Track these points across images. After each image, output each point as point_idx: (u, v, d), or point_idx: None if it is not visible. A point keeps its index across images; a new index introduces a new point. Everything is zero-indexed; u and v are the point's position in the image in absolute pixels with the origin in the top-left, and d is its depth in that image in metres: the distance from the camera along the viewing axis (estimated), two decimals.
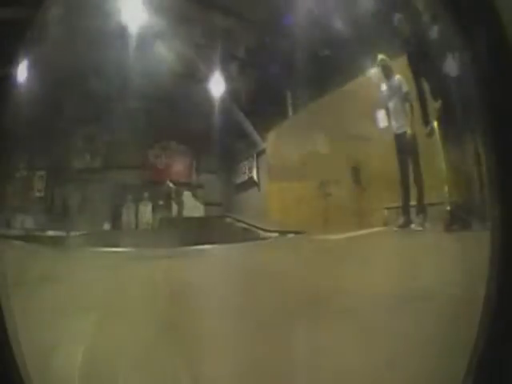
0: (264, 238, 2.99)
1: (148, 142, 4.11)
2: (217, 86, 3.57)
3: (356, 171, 2.31)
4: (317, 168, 2.74)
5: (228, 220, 3.91)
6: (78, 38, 3.92)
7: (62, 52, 4.10)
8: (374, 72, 1.51)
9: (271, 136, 3.51)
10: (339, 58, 2.02)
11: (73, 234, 4.38)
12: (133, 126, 3.96)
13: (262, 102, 3.75)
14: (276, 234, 2.77)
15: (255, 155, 3.97)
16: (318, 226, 2.68)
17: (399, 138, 1.63)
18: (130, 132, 3.96)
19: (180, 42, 4.01)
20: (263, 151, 3.74)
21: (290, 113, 2.90)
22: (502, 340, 0.84)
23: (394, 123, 2.03)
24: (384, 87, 1.76)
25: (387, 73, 1.73)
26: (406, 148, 1.56)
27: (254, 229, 3.32)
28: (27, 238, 4.44)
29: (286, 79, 3.00)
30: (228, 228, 3.82)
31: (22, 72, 3.44)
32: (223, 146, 3.82)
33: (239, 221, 3.68)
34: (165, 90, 3.94)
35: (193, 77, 3.97)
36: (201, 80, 3.83)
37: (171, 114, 4.02)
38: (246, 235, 3.37)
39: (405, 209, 1.78)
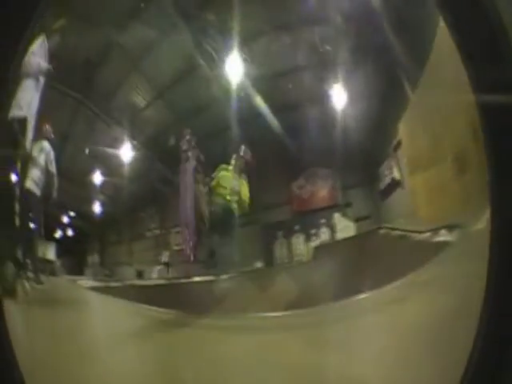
0: (421, 241, 3.05)
1: (290, 175, 4.55)
2: (339, 103, 3.90)
3: (478, 141, 2.32)
4: (447, 145, 2.83)
5: (382, 231, 4.08)
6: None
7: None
8: None
9: (402, 126, 3.63)
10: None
11: (223, 277, 4.91)
12: (270, 164, 4.42)
13: (385, 95, 3.90)
14: (429, 234, 2.80)
15: (392, 151, 4.13)
16: (460, 214, 2.69)
17: None
18: (270, 171, 4.42)
19: (295, 65, 4.42)
20: (399, 144, 3.86)
21: (410, 95, 3.12)
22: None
23: None
24: None
25: None
26: None
27: (408, 233, 3.44)
28: (169, 286, 5.02)
29: (400, 66, 3.23)
30: (384, 239, 3.98)
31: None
32: (360, 156, 4.08)
33: (392, 229, 3.83)
34: (294, 121, 4.37)
35: (314, 101, 4.33)
36: (322, 101, 4.18)
37: (305, 142, 4.42)
38: (403, 242, 3.47)
39: None
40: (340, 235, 5.67)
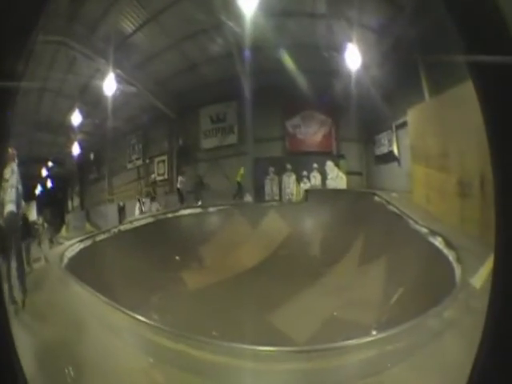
0: (416, 231, 3.47)
1: (286, 113, 5.21)
2: (352, 57, 4.37)
3: (483, 180, 2.76)
4: (456, 163, 3.28)
5: (376, 199, 4.68)
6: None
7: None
8: None
9: (411, 113, 4.08)
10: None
11: (211, 209, 5.69)
12: (267, 100, 4.99)
13: (398, 76, 4.34)
14: (426, 230, 3.26)
15: (394, 127, 4.66)
16: (457, 233, 3.18)
17: None
18: (266, 105, 5.01)
19: (311, 15, 4.84)
20: (403, 124, 4.36)
21: (426, 96, 3.61)
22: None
23: None
24: None
25: None
26: None
27: (405, 217, 3.93)
28: (155, 223, 5.78)
29: (420, 58, 3.74)
30: (378, 208, 4.57)
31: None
32: (361, 115, 4.65)
33: (389, 203, 4.39)
34: (300, 61, 4.85)
35: (328, 48, 4.80)
36: (336, 51, 4.67)
37: (308, 85, 4.93)
38: (397, 222, 3.98)
39: None
40: (331, 183, 6.23)
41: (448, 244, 3.49)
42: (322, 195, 6.61)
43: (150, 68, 7.32)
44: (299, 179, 6.97)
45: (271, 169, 7.14)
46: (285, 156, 7.32)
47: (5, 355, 0.91)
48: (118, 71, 7.02)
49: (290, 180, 7.05)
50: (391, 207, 4.80)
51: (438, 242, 3.64)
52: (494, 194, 0.89)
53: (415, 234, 4.13)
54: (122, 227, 6.90)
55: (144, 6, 6.30)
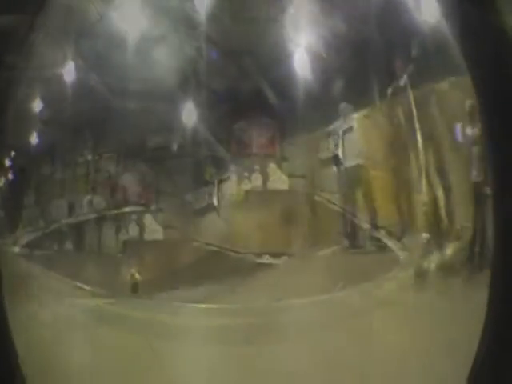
0: (360, 227, 3.60)
1: (232, 115, 5.28)
2: (302, 62, 4.52)
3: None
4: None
5: (317, 198, 4.86)
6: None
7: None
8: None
9: (359, 117, 4.25)
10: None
11: (153, 208, 5.69)
12: (213, 101, 5.08)
13: (349, 82, 4.56)
14: (368, 225, 3.38)
15: (341, 133, 4.85)
16: (405, 221, 3.31)
17: None
18: (212, 107, 5.11)
19: (265, 20, 4.96)
20: (349, 130, 4.54)
21: (376, 101, 3.83)
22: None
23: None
24: None
25: None
26: None
27: (348, 214, 4.10)
28: (99, 219, 5.80)
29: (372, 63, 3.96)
30: (318, 206, 4.76)
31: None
32: (307, 119, 4.80)
33: (330, 201, 4.58)
34: (249, 65, 4.98)
35: (279, 52, 4.94)
36: (287, 55, 4.81)
37: (253, 89, 5.05)
38: (337, 219, 4.16)
39: None
40: (273, 185, 6.49)
41: (392, 235, 3.63)
42: (261, 196, 7.03)
43: (109, 61, 7.15)
44: (240, 181, 7.33)
45: (212, 169, 7.49)
46: (227, 158, 7.63)
47: (2, 353, 0.90)
48: (80, 60, 6.84)
49: (230, 181, 7.44)
50: (332, 205, 5.05)
51: (380, 234, 3.79)
52: (493, 195, 0.91)
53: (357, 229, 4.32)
54: (69, 220, 6.77)
55: None
